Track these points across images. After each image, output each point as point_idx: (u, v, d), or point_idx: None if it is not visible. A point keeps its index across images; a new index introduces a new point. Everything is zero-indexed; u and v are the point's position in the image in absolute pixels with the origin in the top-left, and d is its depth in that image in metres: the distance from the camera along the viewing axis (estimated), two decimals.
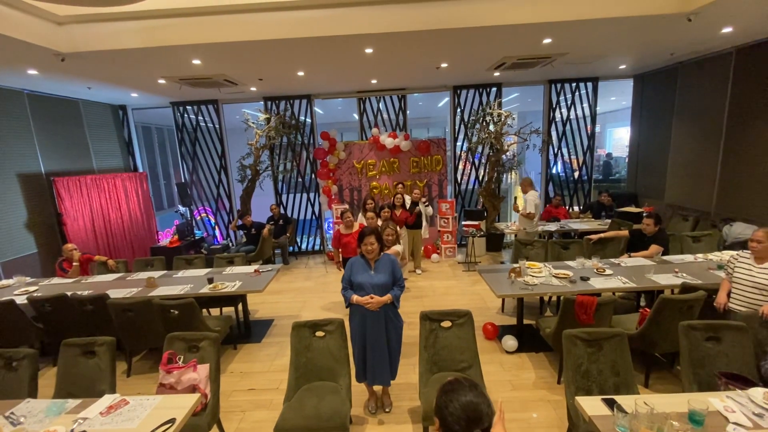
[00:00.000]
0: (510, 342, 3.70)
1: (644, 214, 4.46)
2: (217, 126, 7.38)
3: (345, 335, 2.74)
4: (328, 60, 4.71)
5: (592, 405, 1.91)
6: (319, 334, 2.73)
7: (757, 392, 1.93)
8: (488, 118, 6.68)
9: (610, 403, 1.88)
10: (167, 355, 2.48)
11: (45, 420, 2.02)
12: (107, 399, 2.14)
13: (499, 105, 6.78)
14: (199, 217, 8.01)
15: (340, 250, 4.63)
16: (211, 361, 2.51)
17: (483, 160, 7.28)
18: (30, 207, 5.39)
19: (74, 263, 4.60)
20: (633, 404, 1.80)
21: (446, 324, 2.75)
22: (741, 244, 4.76)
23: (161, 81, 5.32)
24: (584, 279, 3.61)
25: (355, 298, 2.73)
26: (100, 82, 5.29)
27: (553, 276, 3.71)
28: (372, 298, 2.70)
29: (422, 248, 6.41)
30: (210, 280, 4.01)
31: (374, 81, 6.23)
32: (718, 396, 1.96)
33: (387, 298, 2.72)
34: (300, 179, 7.63)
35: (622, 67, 6.25)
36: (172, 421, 1.92)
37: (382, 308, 2.72)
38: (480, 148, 6.99)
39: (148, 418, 1.96)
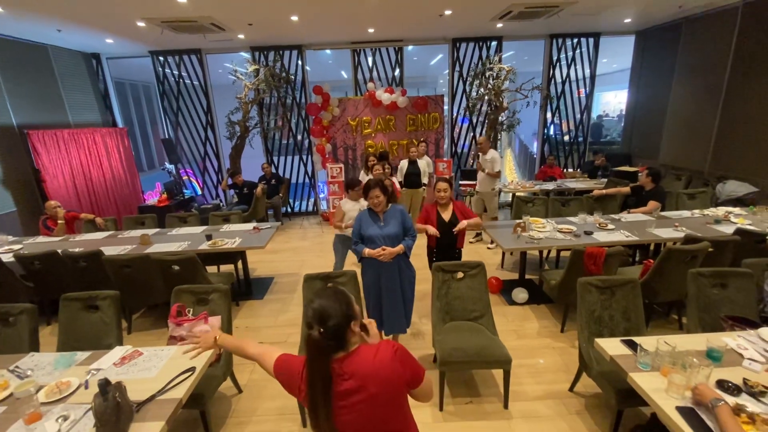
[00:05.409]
0: (521, 295, 3.77)
1: (639, 174, 4.49)
2: (201, 80, 6.92)
3: (358, 287, 2.70)
4: (324, 1, 4.37)
5: (612, 345, 1.96)
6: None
7: (765, 331, 2.00)
8: (488, 72, 6.46)
9: (630, 344, 1.93)
10: (176, 308, 2.40)
11: (54, 372, 1.94)
12: (119, 350, 2.07)
13: (500, 60, 6.55)
14: (186, 177, 7.68)
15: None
16: (223, 313, 2.45)
17: (481, 119, 7.12)
18: (4, 162, 5.02)
19: (59, 221, 4.37)
20: (652, 345, 1.84)
21: (459, 275, 2.75)
22: (733, 201, 4.88)
23: (140, 24, 4.86)
24: (588, 233, 3.65)
25: (367, 251, 2.70)
26: (71, 22, 4.78)
27: (558, 231, 3.74)
28: (384, 249, 2.65)
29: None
30: (209, 237, 3.88)
31: (371, 30, 5.87)
32: (730, 336, 2.03)
33: (399, 249, 2.69)
34: (291, 139, 7.32)
35: (627, 21, 6.05)
36: (192, 369, 1.86)
37: (394, 259, 2.69)
38: (479, 105, 6.79)
39: (166, 368, 1.90)
